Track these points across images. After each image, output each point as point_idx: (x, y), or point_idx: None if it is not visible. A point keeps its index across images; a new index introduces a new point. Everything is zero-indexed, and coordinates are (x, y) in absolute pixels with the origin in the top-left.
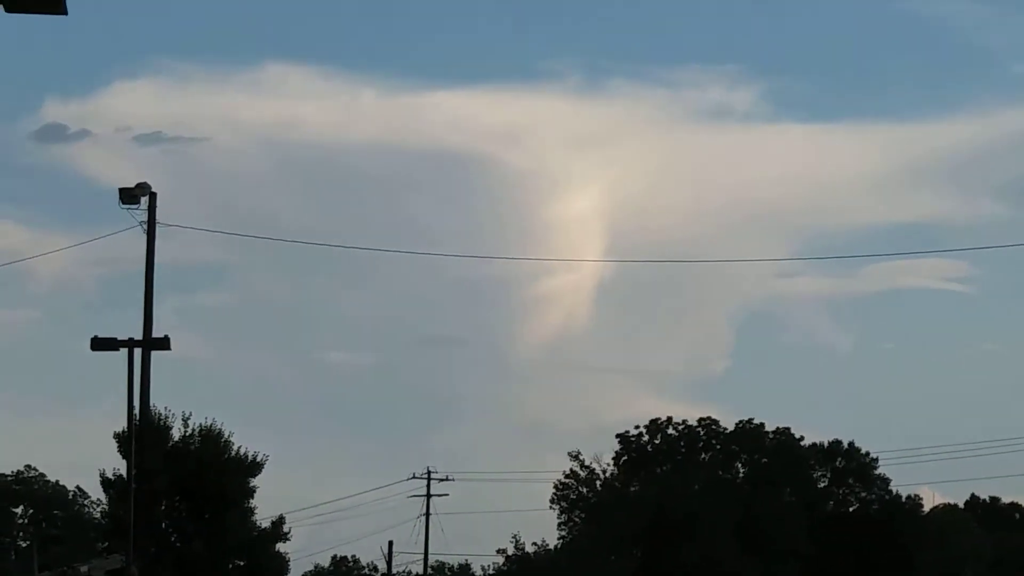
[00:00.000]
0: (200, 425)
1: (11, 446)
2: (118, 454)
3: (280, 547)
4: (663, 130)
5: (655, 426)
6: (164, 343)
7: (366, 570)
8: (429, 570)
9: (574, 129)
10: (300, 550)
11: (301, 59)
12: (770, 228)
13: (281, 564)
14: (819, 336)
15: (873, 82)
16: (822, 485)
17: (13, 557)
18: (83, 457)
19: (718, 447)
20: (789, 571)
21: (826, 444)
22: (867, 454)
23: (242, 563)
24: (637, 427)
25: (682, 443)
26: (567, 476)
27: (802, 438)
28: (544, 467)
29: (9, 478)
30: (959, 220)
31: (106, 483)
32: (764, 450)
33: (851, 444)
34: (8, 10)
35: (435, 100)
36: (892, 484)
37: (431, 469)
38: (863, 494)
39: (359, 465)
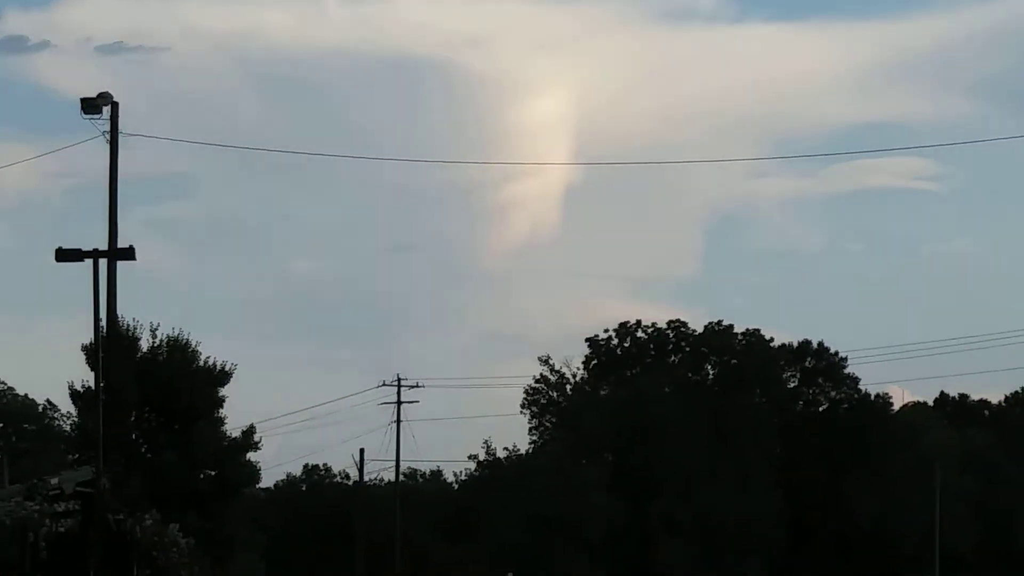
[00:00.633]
0: (168, 336)
1: None
2: (86, 366)
3: (251, 456)
4: (628, 33)
5: (624, 329)
6: (129, 253)
7: (338, 478)
8: (401, 477)
9: (538, 33)
10: (271, 459)
11: None
12: (738, 129)
13: (252, 473)
14: (788, 237)
15: None
16: (792, 385)
17: None
18: (52, 370)
19: (687, 350)
20: (760, 471)
21: (795, 344)
22: (836, 353)
23: (213, 473)
24: (606, 331)
25: (651, 346)
26: (537, 381)
27: (772, 339)
28: (514, 372)
29: None
30: (929, 118)
31: (75, 395)
32: (734, 352)
33: (820, 344)
34: None
35: (398, 5)
36: (862, 383)
37: (401, 376)
38: (833, 394)
39: (329, 374)
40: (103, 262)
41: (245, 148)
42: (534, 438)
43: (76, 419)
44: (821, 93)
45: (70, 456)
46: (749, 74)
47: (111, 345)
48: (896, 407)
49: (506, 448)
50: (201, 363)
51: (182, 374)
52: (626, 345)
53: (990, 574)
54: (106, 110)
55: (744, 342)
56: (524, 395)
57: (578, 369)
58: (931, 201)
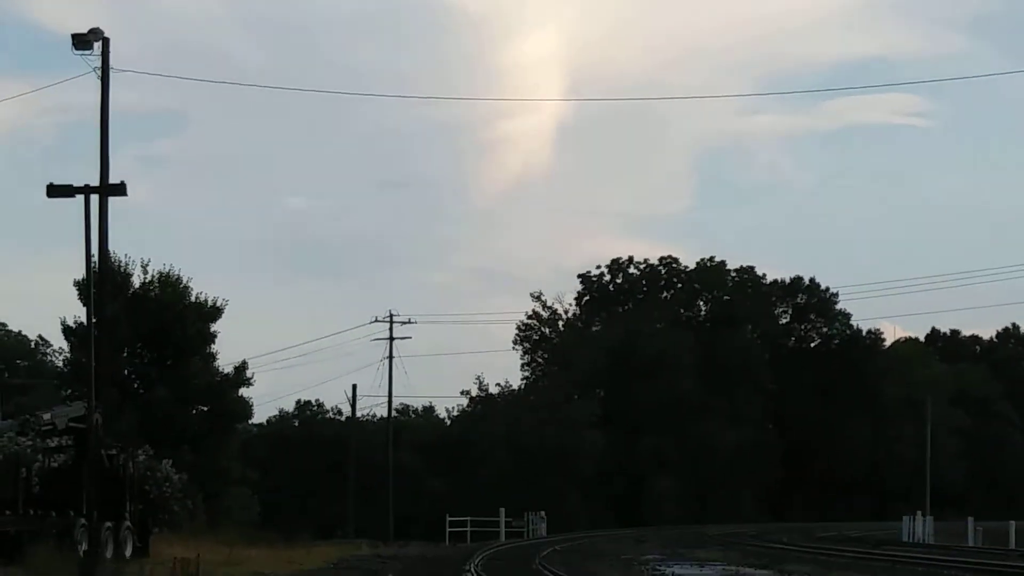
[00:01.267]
0: (159, 272)
1: None
2: (79, 302)
3: (243, 392)
4: None
5: (616, 266)
6: (120, 189)
7: (330, 414)
8: (394, 413)
9: None
10: (264, 395)
11: None
12: (730, 66)
13: (244, 409)
14: (779, 173)
15: None
16: (784, 321)
17: None
18: (44, 306)
19: (679, 286)
20: (752, 407)
21: (787, 281)
22: (827, 290)
23: (205, 408)
24: (598, 267)
25: (643, 282)
26: (529, 317)
27: (764, 276)
28: (506, 309)
29: None
30: (920, 55)
31: (67, 331)
32: (726, 288)
33: (812, 280)
34: None
35: None
36: (853, 319)
37: (393, 312)
38: (824, 329)
39: (321, 310)
40: (94, 198)
41: (235, 84)
42: (526, 374)
43: (69, 355)
44: (813, 30)
45: (63, 391)
46: (741, 11)
47: (103, 281)
48: (888, 343)
49: (498, 384)
50: (192, 299)
51: (173, 310)
52: (618, 281)
53: (980, 506)
54: (97, 46)
55: (737, 278)
56: (516, 331)
57: (570, 305)
58: (923, 137)
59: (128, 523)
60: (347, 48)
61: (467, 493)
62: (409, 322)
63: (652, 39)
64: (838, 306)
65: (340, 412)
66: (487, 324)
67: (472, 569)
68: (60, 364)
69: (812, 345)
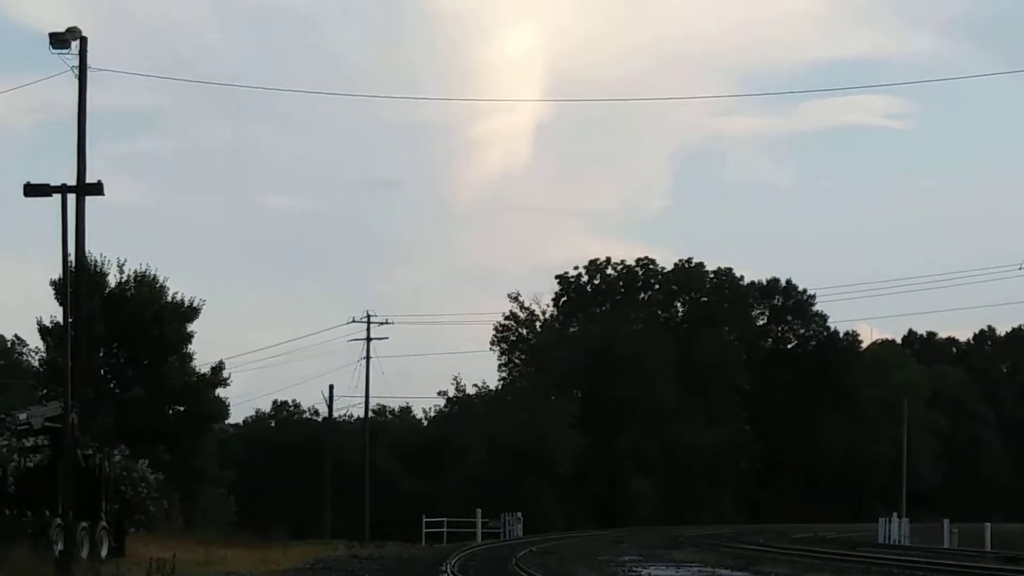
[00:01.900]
0: (135, 272)
1: None
2: (55, 301)
3: (220, 392)
4: None
5: (594, 266)
6: (97, 188)
7: (307, 414)
8: (371, 413)
9: None
10: (241, 395)
11: None
12: (708, 66)
13: (221, 409)
14: (757, 174)
15: None
16: (761, 323)
17: None
18: (21, 305)
19: (657, 287)
20: (729, 408)
21: (764, 282)
22: (804, 291)
23: (182, 408)
24: (576, 268)
25: (621, 283)
26: (507, 318)
27: (741, 277)
28: (484, 309)
29: None
30: (899, 56)
31: (44, 331)
32: (703, 289)
33: (789, 282)
34: None
35: None
36: (830, 321)
37: (370, 313)
38: (801, 331)
39: (298, 310)
40: (71, 197)
41: (213, 84)
42: (503, 374)
43: (45, 354)
44: (790, 32)
45: (39, 391)
46: (719, 10)
47: (79, 280)
48: (865, 344)
49: (475, 385)
50: (169, 299)
51: (150, 309)
52: (595, 282)
53: (956, 507)
54: (75, 45)
55: (714, 280)
56: (494, 332)
57: (547, 306)
58: (900, 139)
59: (104, 523)
60: (326, 47)
61: (444, 494)
62: (386, 323)
63: (630, 40)
64: (815, 308)
65: (317, 412)
66: (464, 325)
67: (448, 570)
68: (36, 364)
69: (789, 347)
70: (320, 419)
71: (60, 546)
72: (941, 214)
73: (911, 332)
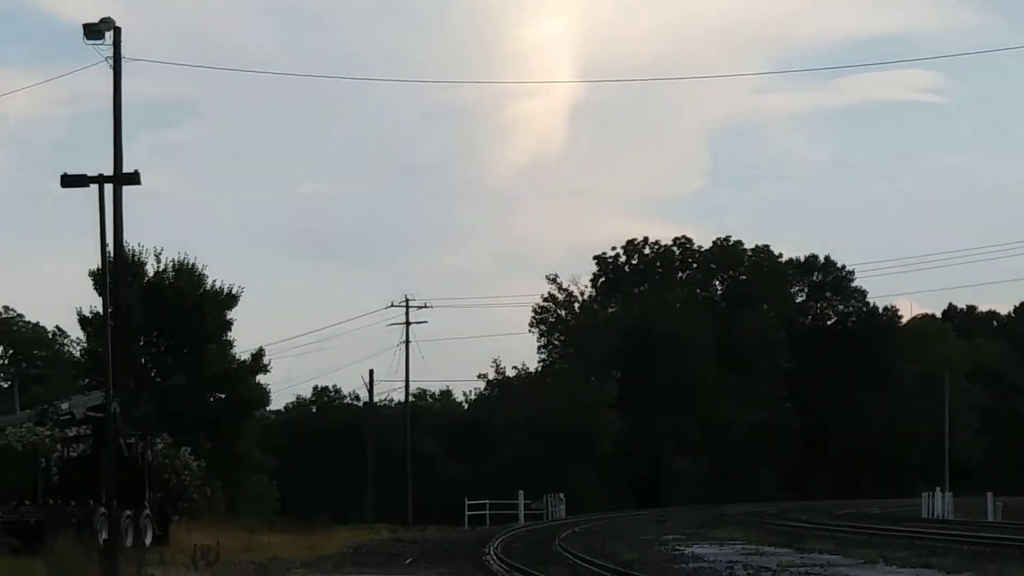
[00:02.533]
0: (174, 260)
1: None
2: (94, 292)
3: (260, 379)
4: None
5: (632, 247)
6: (134, 178)
7: (348, 399)
8: (411, 397)
9: None
10: (281, 382)
11: None
12: (744, 44)
13: (262, 396)
14: (794, 151)
15: None
16: (800, 300)
17: None
18: (61, 296)
19: (695, 266)
20: (769, 386)
21: (803, 259)
22: (843, 267)
23: (223, 396)
24: (614, 248)
25: (658, 263)
26: (545, 299)
27: (780, 254)
28: (522, 292)
29: None
30: (935, 31)
31: (84, 321)
32: (741, 267)
33: (827, 258)
34: None
35: None
36: (869, 296)
37: (409, 297)
38: (841, 307)
39: (337, 296)
40: (108, 187)
41: (248, 72)
42: (543, 356)
43: (85, 344)
44: (825, 7)
45: (80, 381)
46: None
47: (118, 270)
48: (904, 319)
49: (515, 367)
50: (208, 287)
51: (189, 297)
52: (633, 262)
53: (998, 481)
54: (109, 35)
55: (752, 257)
56: (532, 314)
57: (586, 287)
58: (937, 114)
59: (148, 511)
60: (359, 33)
61: (485, 476)
62: (425, 306)
63: (664, 19)
64: (854, 284)
65: (357, 397)
66: (503, 307)
67: (492, 552)
68: (77, 354)
69: (828, 323)
70: (360, 404)
71: (104, 535)
72: (979, 187)
73: (951, 306)
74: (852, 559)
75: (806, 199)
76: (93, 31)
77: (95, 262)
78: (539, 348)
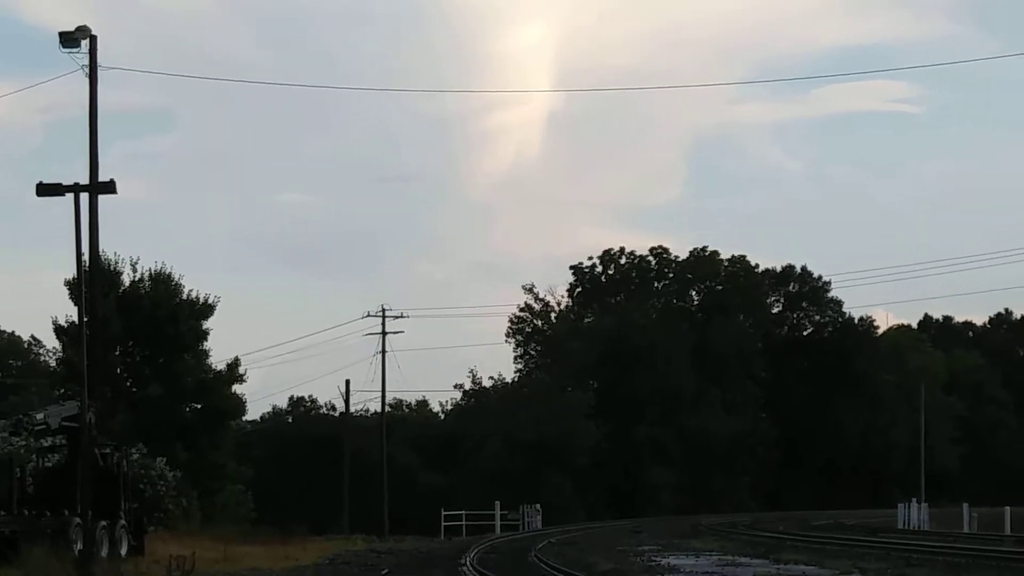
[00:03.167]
0: (150, 270)
1: None
2: (70, 301)
3: (236, 389)
4: None
5: (608, 256)
6: (110, 187)
7: (324, 409)
8: (387, 408)
9: None
10: (257, 391)
11: None
12: (721, 54)
13: (238, 406)
14: (771, 162)
15: None
16: (776, 310)
17: None
18: (36, 306)
19: (671, 276)
20: (746, 395)
21: (779, 269)
22: (819, 277)
23: (199, 406)
24: (590, 258)
25: (635, 273)
26: (522, 309)
27: (756, 264)
28: (499, 301)
29: None
30: (910, 41)
31: (59, 330)
32: (718, 277)
33: (804, 268)
34: None
35: None
36: (846, 306)
37: (385, 307)
38: (817, 317)
39: (313, 305)
40: (84, 196)
41: (225, 80)
42: (519, 366)
43: (61, 354)
44: (802, 17)
45: (56, 391)
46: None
47: (94, 279)
48: (881, 330)
49: (491, 377)
50: (184, 296)
51: (165, 307)
52: (610, 272)
53: (974, 492)
54: (85, 43)
55: (728, 267)
56: (509, 324)
57: (562, 297)
58: (913, 124)
59: (123, 522)
60: (337, 42)
61: (462, 487)
62: (401, 316)
63: (641, 28)
64: (830, 294)
65: (334, 407)
66: (479, 317)
67: (468, 563)
68: (53, 363)
69: (805, 333)
70: (337, 414)
71: (79, 545)
72: (955, 198)
73: (927, 317)
74: (827, 570)
75: (783, 209)
76: (69, 39)
77: (71, 271)
78: (516, 358)
